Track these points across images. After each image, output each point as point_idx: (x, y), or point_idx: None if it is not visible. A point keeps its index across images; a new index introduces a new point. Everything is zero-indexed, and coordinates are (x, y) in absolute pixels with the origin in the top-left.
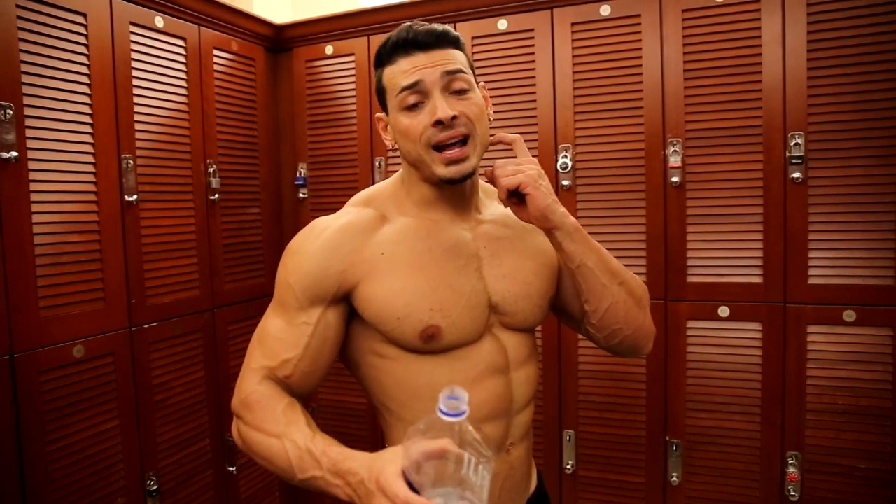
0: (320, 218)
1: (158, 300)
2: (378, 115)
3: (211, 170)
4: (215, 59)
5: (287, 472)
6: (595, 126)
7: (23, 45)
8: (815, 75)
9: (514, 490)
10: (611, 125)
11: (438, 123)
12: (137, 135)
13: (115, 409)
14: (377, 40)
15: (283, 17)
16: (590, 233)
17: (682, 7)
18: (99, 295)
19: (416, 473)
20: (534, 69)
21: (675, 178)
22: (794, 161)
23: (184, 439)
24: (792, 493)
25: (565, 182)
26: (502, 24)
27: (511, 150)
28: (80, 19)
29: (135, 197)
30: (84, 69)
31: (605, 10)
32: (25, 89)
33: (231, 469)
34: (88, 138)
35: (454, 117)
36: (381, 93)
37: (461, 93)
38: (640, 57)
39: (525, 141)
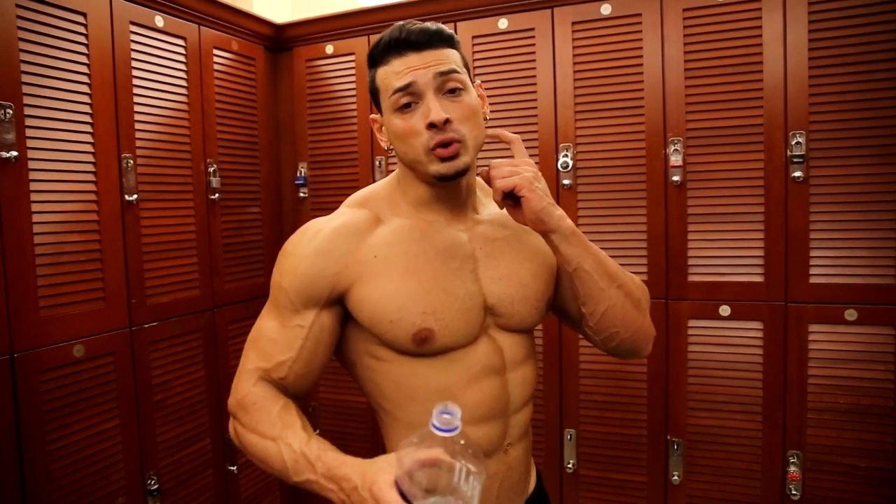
0: (315, 219)
1: (158, 300)
2: (372, 116)
3: (211, 169)
4: (215, 59)
5: (282, 473)
6: (596, 125)
7: (23, 45)
8: (816, 74)
9: (511, 490)
10: (611, 124)
11: (431, 126)
12: (137, 134)
13: (115, 409)
14: None
15: (284, 16)
16: (590, 232)
17: (682, 6)
18: (99, 294)
19: (408, 483)
20: (534, 68)
21: (675, 178)
22: (795, 160)
23: (184, 439)
24: (793, 492)
25: (566, 181)
26: (502, 23)
27: (509, 149)
28: (80, 19)
29: (135, 196)
30: (84, 69)
31: (605, 9)
32: (25, 89)
33: (231, 468)
34: (88, 138)
35: (447, 120)
36: (374, 93)
37: (455, 93)
38: (640, 56)
39: (525, 140)
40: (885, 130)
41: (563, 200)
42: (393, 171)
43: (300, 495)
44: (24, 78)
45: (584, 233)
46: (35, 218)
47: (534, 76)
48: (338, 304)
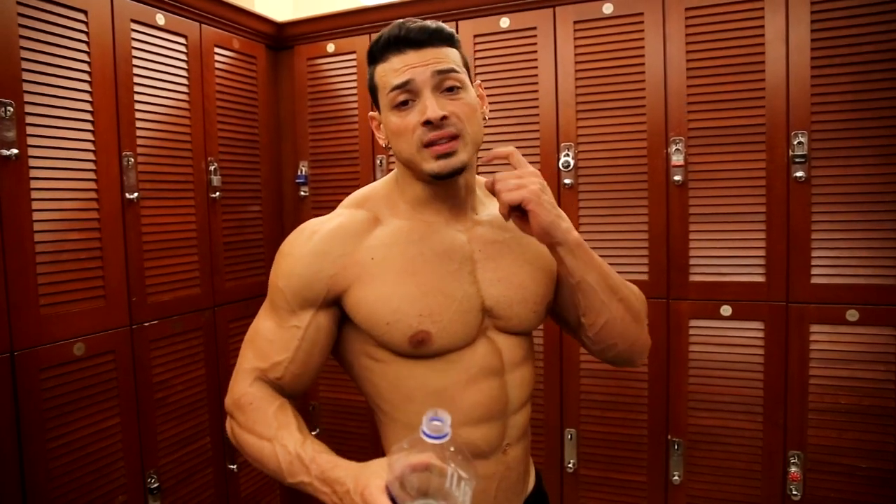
0: (312, 220)
1: (159, 298)
2: (371, 113)
3: (212, 167)
4: (216, 57)
5: (277, 474)
6: (597, 124)
7: (23, 42)
8: (818, 74)
9: (510, 490)
10: (613, 123)
11: (427, 123)
12: (138, 132)
13: (115, 407)
14: None
15: (285, 14)
16: (592, 232)
17: (684, 5)
18: (99, 293)
19: (399, 488)
20: (536, 67)
21: (677, 177)
22: (796, 160)
23: (184, 437)
24: (794, 493)
25: (567, 181)
26: (504, 22)
27: (508, 164)
28: (81, 16)
29: (135, 194)
30: (85, 66)
31: (607, 8)
32: (26, 86)
33: (232, 467)
34: (89, 136)
35: (444, 117)
36: (373, 90)
37: (453, 91)
38: (642, 55)
39: (526, 139)
40: (888, 130)
41: (565, 200)
42: (394, 170)
43: (300, 495)
44: (25, 75)
45: (585, 232)
46: (35, 216)
47: (535, 75)
48: (334, 305)
